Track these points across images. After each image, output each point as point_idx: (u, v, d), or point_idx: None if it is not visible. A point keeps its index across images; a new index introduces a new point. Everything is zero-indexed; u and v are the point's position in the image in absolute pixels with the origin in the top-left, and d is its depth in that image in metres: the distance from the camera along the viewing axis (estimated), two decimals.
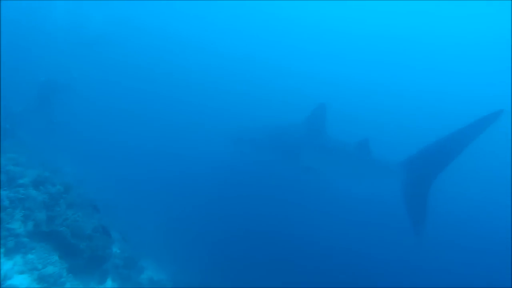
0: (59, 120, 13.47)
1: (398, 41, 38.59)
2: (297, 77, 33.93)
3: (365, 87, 34.33)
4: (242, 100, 25.98)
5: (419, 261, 11.23)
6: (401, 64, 38.24)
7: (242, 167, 12.60)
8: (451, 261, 12.62)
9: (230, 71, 31.79)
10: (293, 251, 10.62)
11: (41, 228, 5.91)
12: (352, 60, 38.57)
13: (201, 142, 16.87)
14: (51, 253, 5.74)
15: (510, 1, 28.84)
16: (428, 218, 7.18)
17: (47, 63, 16.67)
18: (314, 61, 37.56)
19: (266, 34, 39.50)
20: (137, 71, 26.18)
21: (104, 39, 21.49)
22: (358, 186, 10.17)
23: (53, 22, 24.61)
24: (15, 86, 13.70)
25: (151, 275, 9.22)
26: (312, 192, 12.03)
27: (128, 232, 11.30)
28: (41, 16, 25.15)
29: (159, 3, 34.27)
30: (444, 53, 37.68)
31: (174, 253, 10.68)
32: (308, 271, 10.12)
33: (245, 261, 9.73)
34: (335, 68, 36.87)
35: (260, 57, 35.92)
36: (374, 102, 31.84)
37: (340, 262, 10.53)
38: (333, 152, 9.11)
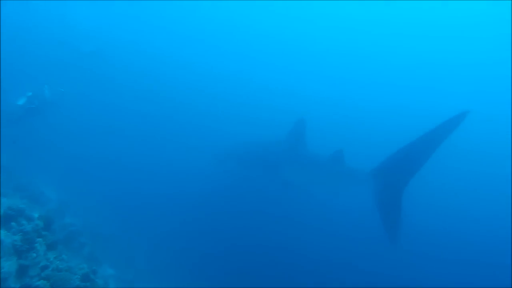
0: (38, 138, 11.86)
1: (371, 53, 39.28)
2: (276, 93, 33.81)
3: (346, 100, 34.23)
4: (225, 117, 25.32)
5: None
6: (384, 73, 38.60)
7: (229, 184, 12.37)
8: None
9: (211, 89, 31.49)
10: (284, 264, 10.68)
11: (7, 285, 4.23)
12: (329, 76, 38.77)
13: (187, 159, 15.94)
14: None
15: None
16: (401, 225, 7.00)
17: (32, 76, 15.06)
18: (292, 77, 37.58)
19: (244, 52, 39.59)
20: (124, 88, 24.99)
21: (96, 55, 20.03)
22: (339, 198, 9.96)
23: (44, 33, 23.28)
24: None
25: None
26: (295, 205, 11.94)
27: (122, 265, 9.87)
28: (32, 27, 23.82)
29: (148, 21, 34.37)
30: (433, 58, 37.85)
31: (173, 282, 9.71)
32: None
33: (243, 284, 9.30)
34: (314, 84, 37.00)
35: (237, 73, 35.84)
36: (357, 113, 31.43)
37: (327, 271, 10.70)
38: (310, 166, 9.21)
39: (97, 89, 21.28)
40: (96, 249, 9.07)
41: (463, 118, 5.98)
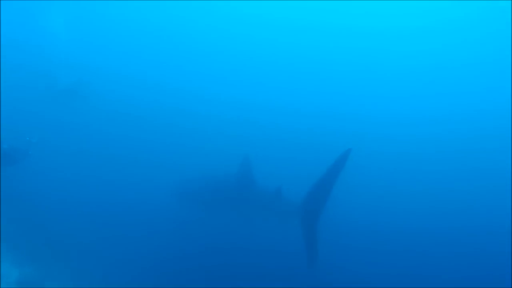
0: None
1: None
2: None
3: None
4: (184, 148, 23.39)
5: None
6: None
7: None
8: None
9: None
10: None
11: None
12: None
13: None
14: None
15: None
16: (318, 253, 7.83)
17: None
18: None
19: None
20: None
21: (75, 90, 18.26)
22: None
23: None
24: None
25: None
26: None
27: None
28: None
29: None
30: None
31: None
32: None
33: None
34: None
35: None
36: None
37: None
38: (257, 203, 9.92)
39: (78, 131, 19.29)
40: None
41: (347, 156, 7.29)
